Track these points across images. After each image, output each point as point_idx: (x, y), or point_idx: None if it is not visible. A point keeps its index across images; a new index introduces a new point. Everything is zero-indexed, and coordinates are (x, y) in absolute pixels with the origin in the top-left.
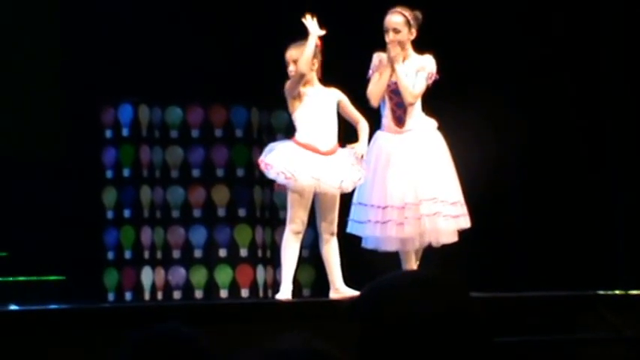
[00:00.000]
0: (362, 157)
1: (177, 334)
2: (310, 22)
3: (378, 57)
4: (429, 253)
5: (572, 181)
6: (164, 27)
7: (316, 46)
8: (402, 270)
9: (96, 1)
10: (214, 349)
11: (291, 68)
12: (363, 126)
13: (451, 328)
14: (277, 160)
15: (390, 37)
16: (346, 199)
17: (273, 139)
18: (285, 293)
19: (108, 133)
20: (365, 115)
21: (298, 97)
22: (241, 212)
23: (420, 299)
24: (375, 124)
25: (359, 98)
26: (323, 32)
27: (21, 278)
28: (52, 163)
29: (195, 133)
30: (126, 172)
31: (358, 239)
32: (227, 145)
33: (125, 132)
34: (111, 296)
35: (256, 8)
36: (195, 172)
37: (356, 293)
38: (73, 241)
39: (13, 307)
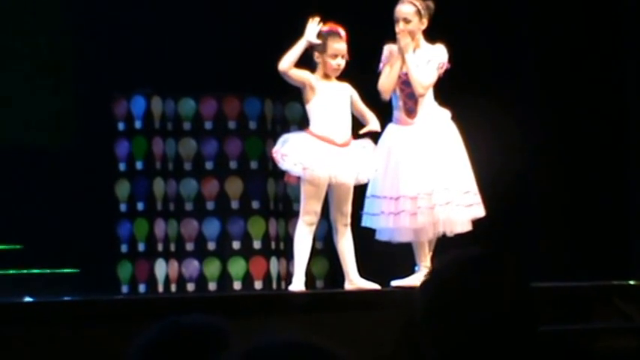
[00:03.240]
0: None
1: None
2: (311, 26)
3: (388, 49)
4: (443, 244)
5: (587, 170)
6: (176, 17)
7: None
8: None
9: None
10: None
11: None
12: (372, 116)
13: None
14: (293, 151)
15: (399, 26)
16: (360, 193)
17: (287, 131)
18: (298, 284)
19: (120, 126)
20: (376, 109)
21: (311, 89)
22: (255, 204)
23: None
24: (385, 118)
25: (368, 93)
26: (317, 41)
27: (35, 271)
28: (66, 155)
29: (208, 125)
30: (139, 165)
31: (372, 231)
32: (240, 137)
33: (138, 124)
34: (125, 289)
35: None
36: (209, 165)
37: (371, 284)
38: (87, 233)
39: (27, 300)
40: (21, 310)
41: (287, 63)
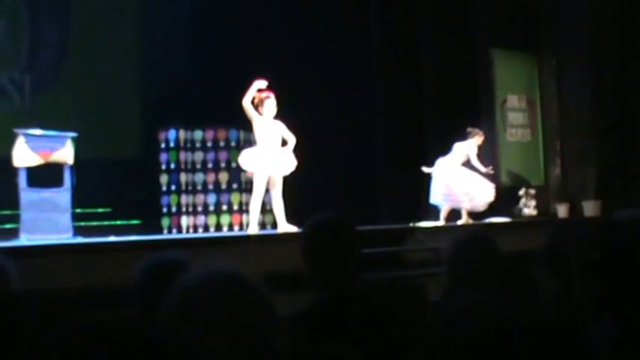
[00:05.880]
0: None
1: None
2: (258, 82)
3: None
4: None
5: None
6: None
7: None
8: None
9: None
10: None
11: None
12: (291, 139)
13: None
14: (250, 157)
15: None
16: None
17: (250, 146)
18: (253, 229)
19: None
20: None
21: (256, 121)
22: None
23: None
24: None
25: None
26: (263, 87)
27: None
28: None
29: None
30: None
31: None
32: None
33: None
34: None
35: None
36: None
37: (294, 228)
38: None
39: None
40: None
41: (245, 101)
